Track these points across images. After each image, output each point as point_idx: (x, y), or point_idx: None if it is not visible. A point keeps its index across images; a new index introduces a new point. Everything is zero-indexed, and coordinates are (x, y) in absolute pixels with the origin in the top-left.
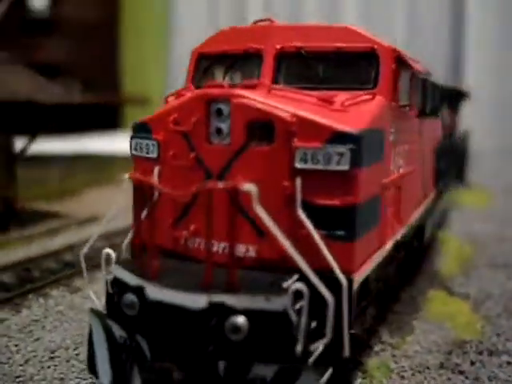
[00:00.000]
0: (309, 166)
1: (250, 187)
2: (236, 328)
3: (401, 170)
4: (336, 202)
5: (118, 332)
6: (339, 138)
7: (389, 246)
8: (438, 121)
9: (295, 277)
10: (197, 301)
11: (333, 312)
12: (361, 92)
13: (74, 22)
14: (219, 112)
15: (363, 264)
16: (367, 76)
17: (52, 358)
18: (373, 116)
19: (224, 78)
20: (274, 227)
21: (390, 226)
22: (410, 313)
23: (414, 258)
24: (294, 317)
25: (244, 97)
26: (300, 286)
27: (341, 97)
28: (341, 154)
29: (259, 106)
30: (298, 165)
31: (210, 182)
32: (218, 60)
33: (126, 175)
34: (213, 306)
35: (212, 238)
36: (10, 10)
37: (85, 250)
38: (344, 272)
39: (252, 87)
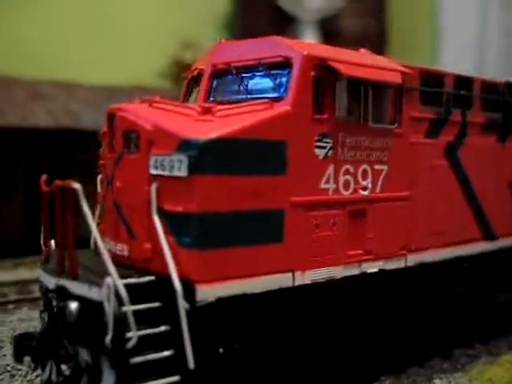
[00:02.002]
0: (159, 172)
1: (75, 185)
2: (68, 311)
3: (364, 193)
4: (179, 208)
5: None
6: (184, 145)
7: (323, 272)
8: None
9: (147, 278)
10: (51, 282)
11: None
12: (258, 102)
13: None
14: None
15: (233, 279)
16: (280, 86)
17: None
18: (253, 125)
19: (189, 95)
20: (94, 225)
21: (327, 250)
22: (442, 370)
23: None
24: (109, 308)
25: (123, 110)
26: (109, 281)
27: (223, 107)
28: (180, 161)
29: (130, 117)
30: (152, 171)
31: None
32: (191, 80)
33: None
34: (59, 288)
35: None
36: None
37: None
38: (188, 280)
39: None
